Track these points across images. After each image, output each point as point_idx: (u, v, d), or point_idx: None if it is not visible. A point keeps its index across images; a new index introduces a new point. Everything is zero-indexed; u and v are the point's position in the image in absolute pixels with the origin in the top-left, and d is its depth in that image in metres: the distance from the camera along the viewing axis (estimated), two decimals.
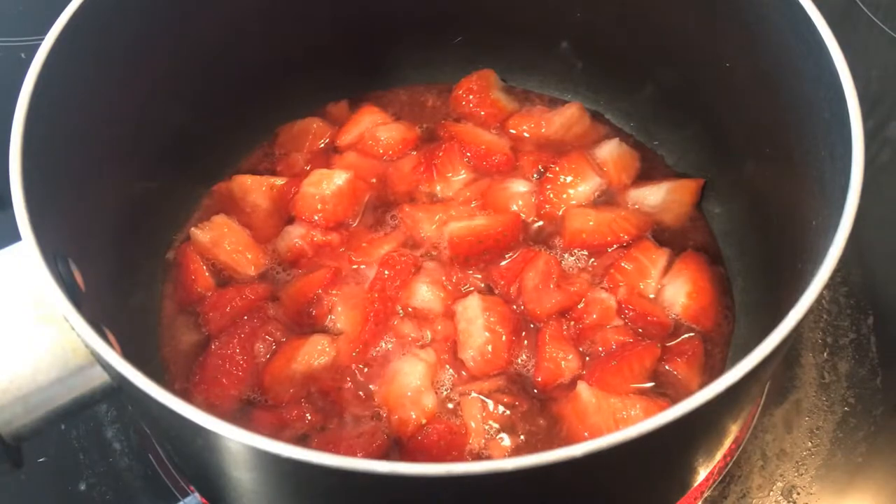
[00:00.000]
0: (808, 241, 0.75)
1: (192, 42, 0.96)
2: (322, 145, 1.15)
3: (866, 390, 1.03)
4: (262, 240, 1.05)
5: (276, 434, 0.89)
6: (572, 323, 0.96)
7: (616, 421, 0.86)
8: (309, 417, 0.90)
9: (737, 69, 0.93)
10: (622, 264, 0.99)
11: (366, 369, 0.94)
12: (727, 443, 0.85)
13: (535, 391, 0.92)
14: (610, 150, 1.10)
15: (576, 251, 1.02)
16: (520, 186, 1.07)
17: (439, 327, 0.96)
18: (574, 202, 1.06)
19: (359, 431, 0.89)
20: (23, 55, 1.35)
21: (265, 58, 1.06)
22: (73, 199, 0.79)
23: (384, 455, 0.88)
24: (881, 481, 0.97)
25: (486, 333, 0.93)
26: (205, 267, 1.02)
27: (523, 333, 0.96)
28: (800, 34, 0.76)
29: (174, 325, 1.00)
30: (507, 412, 0.91)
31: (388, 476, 0.53)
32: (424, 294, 0.98)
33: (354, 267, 1.02)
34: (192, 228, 1.04)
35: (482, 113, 1.16)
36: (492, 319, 0.94)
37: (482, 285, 1.00)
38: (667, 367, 0.93)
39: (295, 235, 1.03)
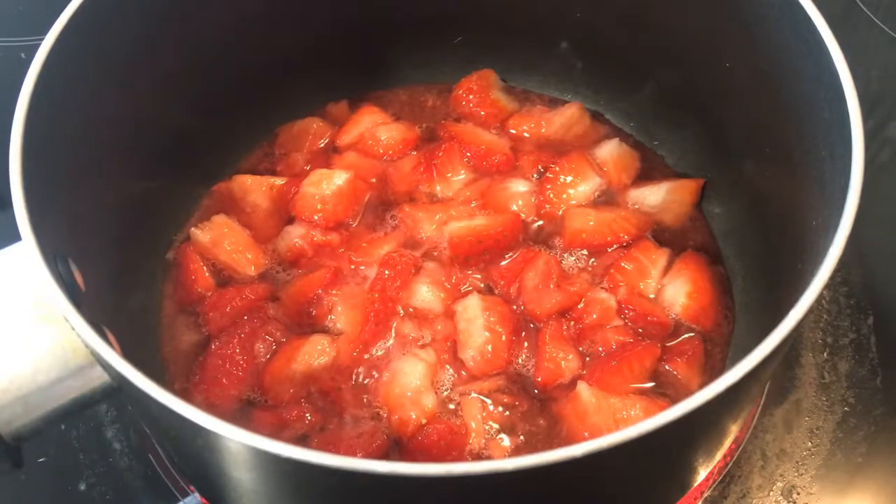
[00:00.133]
0: (808, 241, 0.75)
1: (192, 42, 0.96)
2: (322, 145, 1.15)
3: (866, 390, 1.03)
4: (262, 240, 1.05)
5: (276, 434, 0.89)
6: (572, 323, 0.96)
7: (616, 421, 0.86)
8: (309, 417, 0.90)
9: (737, 69, 0.93)
10: (622, 264, 0.99)
11: (366, 369, 0.94)
12: (727, 443, 0.85)
13: (535, 391, 0.92)
14: (610, 150, 1.10)
15: (576, 251, 1.02)
16: (520, 186, 1.07)
17: (439, 327, 0.96)
18: (574, 202, 1.06)
19: (359, 431, 0.89)
20: (23, 55, 1.35)
21: (265, 58, 1.06)
22: (73, 199, 0.79)
23: (384, 455, 0.88)
24: (881, 481, 0.97)
25: (486, 333, 0.93)
26: (205, 267, 1.02)
27: (523, 333, 0.96)
28: (800, 34, 0.76)
29: (174, 325, 1.00)
30: (507, 412, 0.90)
31: (388, 476, 0.53)
32: (424, 294, 0.98)
33: (354, 267, 1.02)
34: (192, 228, 1.04)
35: (482, 113, 1.16)
36: (492, 319, 0.94)
37: (482, 285, 1.00)
38: (667, 367, 0.93)
39: (295, 235, 1.03)
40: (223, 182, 1.10)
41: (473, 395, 0.92)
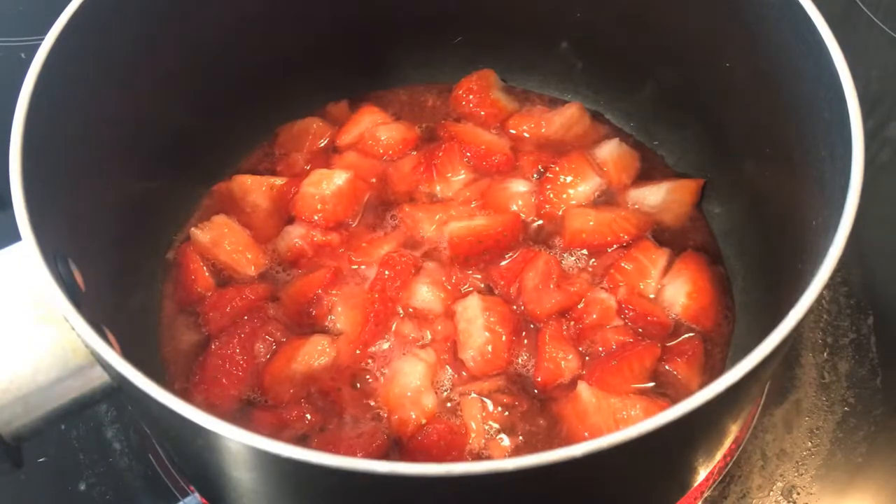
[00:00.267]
0: (808, 241, 0.75)
1: (192, 42, 0.96)
2: (322, 145, 1.15)
3: (866, 390, 1.03)
4: (262, 240, 1.05)
5: (276, 434, 0.89)
6: (572, 323, 0.96)
7: (616, 421, 0.86)
8: (309, 417, 0.90)
9: (737, 69, 0.93)
10: (622, 264, 0.99)
11: (366, 369, 0.94)
12: (727, 443, 0.85)
13: (535, 391, 0.92)
14: (610, 150, 1.10)
15: (576, 251, 1.02)
16: (520, 186, 1.07)
17: (439, 327, 0.96)
18: (574, 202, 1.06)
19: (359, 432, 0.89)
20: (23, 55, 1.35)
21: (265, 58, 1.06)
22: (73, 199, 0.79)
23: (384, 455, 0.88)
24: (881, 481, 0.97)
25: (486, 333, 0.93)
26: (205, 267, 1.02)
27: (523, 333, 0.96)
28: (800, 34, 0.76)
29: (174, 325, 1.00)
30: (507, 412, 0.90)
31: (388, 476, 0.53)
32: (424, 294, 0.98)
33: (354, 267, 1.02)
34: (192, 228, 1.04)
35: (482, 113, 1.16)
36: (492, 319, 0.94)
37: (482, 285, 1.00)
38: (667, 367, 0.93)
39: (295, 235, 1.03)
40: (223, 182, 1.10)
41: (473, 395, 0.92)
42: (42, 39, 0.74)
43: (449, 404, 0.91)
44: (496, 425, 0.90)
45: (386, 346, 0.95)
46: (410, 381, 0.91)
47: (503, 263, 1.01)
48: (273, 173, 1.12)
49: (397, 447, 0.89)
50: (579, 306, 0.96)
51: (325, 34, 1.09)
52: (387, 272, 0.99)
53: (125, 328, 0.80)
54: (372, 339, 0.95)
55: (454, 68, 1.19)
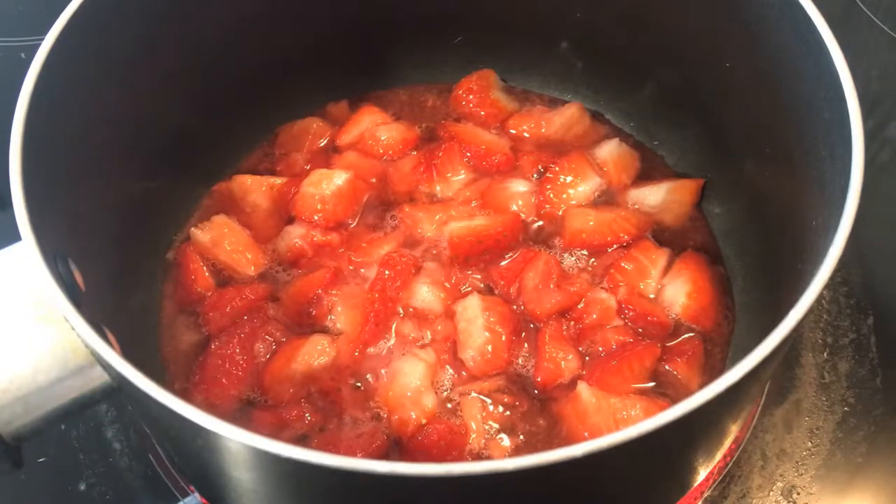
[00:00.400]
0: (808, 241, 0.75)
1: (192, 42, 0.96)
2: (322, 145, 1.15)
3: (866, 390, 1.03)
4: (262, 240, 1.05)
5: (276, 434, 0.89)
6: (572, 323, 0.96)
7: (616, 421, 0.86)
8: (309, 417, 0.90)
9: (737, 69, 0.93)
10: (622, 264, 0.99)
11: (366, 369, 0.94)
12: (727, 443, 0.85)
13: (535, 391, 0.92)
14: (610, 150, 1.10)
15: (576, 251, 1.02)
16: (520, 186, 1.07)
17: (439, 327, 0.96)
18: (574, 202, 1.06)
19: (358, 432, 0.89)
20: (23, 55, 1.35)
21: (265, 58, 1.06)
22: (73, 199, 0.79)
23: (384, 455, 0.88)
24: (881, 481, 0.97)
25: (486, 333, 0.93)
26: (205, 267, 1.02)
27: (523, 333, 0.96)
28: (800, 34, 0.76)
29: (174, 325, 1.00)
30: (507, 412, 0.90)
31: (387, 476, 0.53)
32: (424, 294, 0.98)
33: (354, 267, 1.02)
34: (192, 228, 1.04)
35: (482, 113, 1.16)
36: (492, 319, 0.94)
37: (482, 285, 1.00)
38: (667, 367, 0.93)
39: (295, 235, 1.03)
40: (223, 182, 1.10)
41: (473, 395, 0.92)
42: (42, 39, 0.74)
43: (449, 404, 0.91)
44: (496, 425, 0.90)
45: (386, 346, 0.95)
46: (410, 381, 0.91)
47: (503, 263, 1.01)
48: (273, 173, 1.12)
49: (397, 447, 0.89)
50: (579, 306, 0.96)
51: (325, 34, 1.09)
52: (387, 272, 0.99)
53: (125, 328, 0.80)
54: (372, 339, 0.95)
55: (454, 68, 1.19)
